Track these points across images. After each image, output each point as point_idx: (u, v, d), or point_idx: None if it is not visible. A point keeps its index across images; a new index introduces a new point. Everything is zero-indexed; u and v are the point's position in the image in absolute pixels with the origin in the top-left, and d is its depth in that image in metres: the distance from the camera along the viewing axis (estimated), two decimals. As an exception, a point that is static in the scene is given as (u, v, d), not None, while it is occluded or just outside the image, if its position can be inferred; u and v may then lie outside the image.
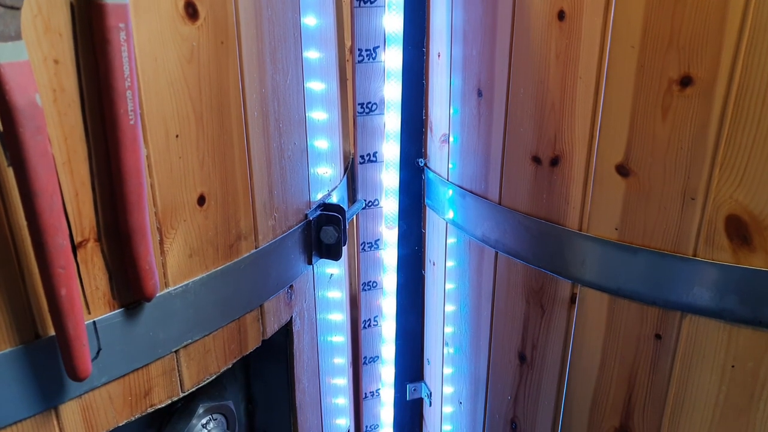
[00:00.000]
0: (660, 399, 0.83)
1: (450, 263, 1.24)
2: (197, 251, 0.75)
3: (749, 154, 0.69)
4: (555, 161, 0.89)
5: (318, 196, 1.07)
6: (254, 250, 0.85)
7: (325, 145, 1.06)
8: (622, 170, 0.80)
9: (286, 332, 1.03)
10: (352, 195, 1.27)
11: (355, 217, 1.30)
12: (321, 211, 1.04)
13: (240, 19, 0.74)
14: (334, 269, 1.25)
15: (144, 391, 0.73)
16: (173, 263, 0.73)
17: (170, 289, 0.72)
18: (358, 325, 1.40)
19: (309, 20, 0.94)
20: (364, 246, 1.32)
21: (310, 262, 1.02)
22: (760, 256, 0.72)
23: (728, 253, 0.74)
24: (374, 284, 1.37)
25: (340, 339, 1.33)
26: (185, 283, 0.74)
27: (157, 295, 0.68)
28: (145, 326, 0.69)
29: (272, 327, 0.94)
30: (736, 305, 0.74)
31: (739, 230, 0.72)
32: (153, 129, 0.66)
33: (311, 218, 0.99)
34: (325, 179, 1.09)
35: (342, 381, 1.37)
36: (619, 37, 0.76)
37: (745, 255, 0.73)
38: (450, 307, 1.29)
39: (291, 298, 1.00)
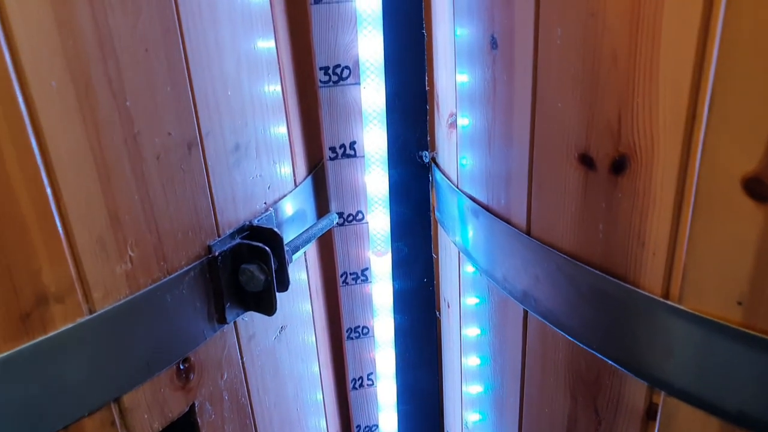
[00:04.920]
0: None
1: (467, 304, 0.88)
2: (-61, 332, 0.45)
3: None
4: (619, 165, 0.51)
5: (247, 211, 0.74)
6: (86, 318, 0.55)
7: (252, 130, 0.73)
8: (758, 188, 0.42)
9: (191, 426, 0.72)
10: (323, 204, 0.92)
11: (331, 236, 0.96)
12: (240, 239, 0.71)
13: None
14: (304, 301, 0.92)
15: None
16: None
17: None
18: (346, 385, 1.07)
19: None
20: (346, 278, 0.98)
21: (223, 321, 0.70)
22: None
23: None
24: (364, 331, 1.03)
25: (317, 397, 1.00)
26: None
27: None
28: None
29: (149, 427, 0.63)
30: None
31: None
32: None
33: (217, 252, 0.67)
34: (258, 186, 0.76)
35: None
36: None
37: None
38: (470, 374, 0.93)
39: (189, 377, 0.69)
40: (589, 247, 0.57)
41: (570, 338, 0.63)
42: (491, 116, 0.68)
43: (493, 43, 0.64)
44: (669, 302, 0.50)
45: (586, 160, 0.55)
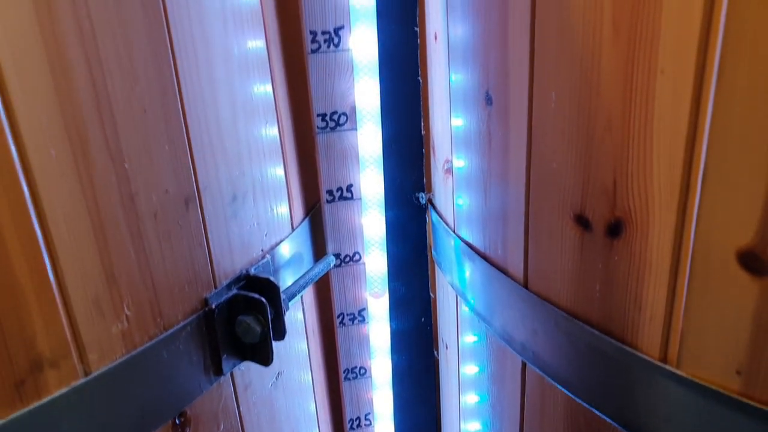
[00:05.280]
0: None
1: (465, 342, 0.88)
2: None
3: None
4: (615, 228, 0.52)
5: (244, 260, 0.74)
6: (81, 381, 0.54)
7: (249, 180, 0.73)
8: (753, 262, 0.42)
9: (185, 479, 0.71)
10: (320, 247, 0.93)
11: (328, 277, 0.97)
12: (237, 289, 0.71)
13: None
14: (300, 342, 0.92)
15: None
16: None
17: None
18: (343, 426, 1.07)
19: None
20: (343, 318, 0.98)
21: (219, 372, 0.70)
22: None
23: None
24: (362, 371, 1.03)
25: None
26: None
27: None
28: None
29: (139, 489, 0.62)
30: None
31: None
32: None
33: (214, 305, 0.67)
34: (255, 234, 0.77)
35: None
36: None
37: None
38: (468, 412, 0.92)
39: (185, 431, 0.68)
40: (587, 305, 0.58)
41: (570, 394, 0.63)
42: (486, 168, 0.69)
43: (488, 100, 0.65)
44: (667, 367, 0.50)
45: (582, 221, 0.55)
